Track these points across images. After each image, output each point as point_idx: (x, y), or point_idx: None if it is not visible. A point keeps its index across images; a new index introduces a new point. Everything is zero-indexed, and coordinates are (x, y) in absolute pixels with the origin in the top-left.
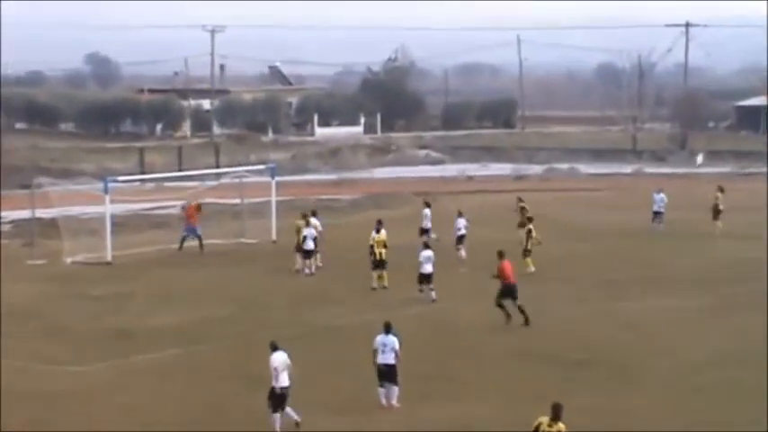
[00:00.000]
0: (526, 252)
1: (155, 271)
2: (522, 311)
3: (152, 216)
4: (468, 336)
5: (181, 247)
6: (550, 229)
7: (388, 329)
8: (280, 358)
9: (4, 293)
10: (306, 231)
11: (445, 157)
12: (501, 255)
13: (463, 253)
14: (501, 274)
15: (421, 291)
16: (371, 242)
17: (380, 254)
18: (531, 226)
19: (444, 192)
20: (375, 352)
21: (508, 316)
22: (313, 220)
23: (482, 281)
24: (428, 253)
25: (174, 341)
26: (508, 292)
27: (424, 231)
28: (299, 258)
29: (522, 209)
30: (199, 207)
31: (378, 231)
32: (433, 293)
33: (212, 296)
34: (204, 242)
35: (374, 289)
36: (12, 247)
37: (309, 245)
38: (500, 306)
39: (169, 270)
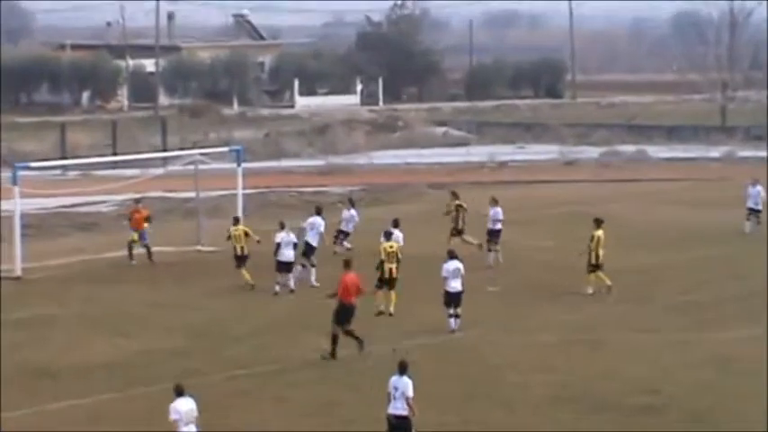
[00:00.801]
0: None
1: (81, 289)
2: (353, 336)
3: (77, 215)
4: (500, 374)
5: (131, 256)
6: (611, 233)
7: (403, 370)
8: (184, 407)
9: None
10: (280, 237)
11: (470, 137)
12: (347, 264)
13: (500, 257)
14: (340, 291)
15: (451, 316)
16: (382, 255)
17: (391, 270)
18: (471, 239)
19: (468, 182)
20: (388, 397)
21: (360, 342)
22: (348, 213)
23: (518, 301)
24: (455, 265)
25: (109, 382)
26: (344, 314)
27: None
28: (279, 276)
29: (458, 208)
30: (148, 218)
31: (388, 238)
32: (454, 321)
33: (156, 323)
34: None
35: (380, 313)
36: None
37: (287, 254)
38: (347, 334)
39: (100, 288)
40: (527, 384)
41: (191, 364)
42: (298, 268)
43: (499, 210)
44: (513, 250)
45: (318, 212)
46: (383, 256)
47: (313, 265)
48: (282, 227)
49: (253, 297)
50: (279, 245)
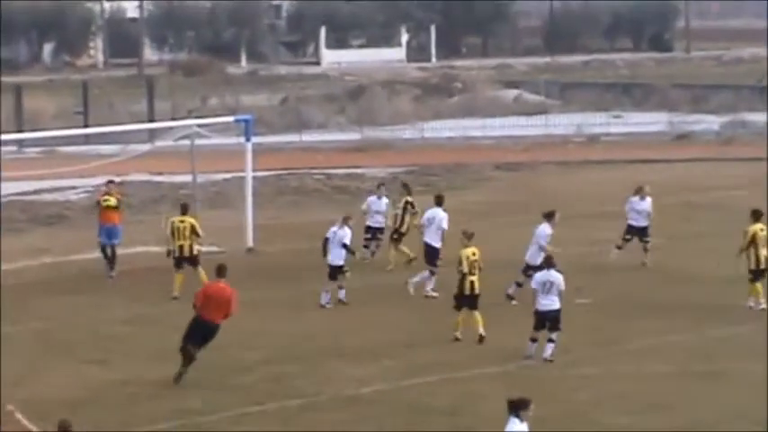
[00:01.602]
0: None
1: (41, 301)
2: (187, 357)
3: (38, 205)
4: (594, 416)
5: (109, 262)
6: (736, 229)
7: (516, 408)
8: None
9: None
10: (331, 231)
11: (550, 103)
12: (220, 271)
13: (647, 258)
14: (199, 301)
15: (534, 340)
16: (464, 264)
17: (473, 284)
18: (407, 249)
19: (548, 162)
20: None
21: (185, 364)
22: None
23: (616, 318)
24: (546, 277)
25: (77, 423)
26: (200, 331)
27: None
28: (328, 282)
29: (406, 206)
30: (116, 206)
31: (470, 239)
32: (549, 348)
33: (141, 347)
34: (129, 250)
35: (457, 339)
36: None
37: (335, 255)
38: (183, 350)
39: (66, 300)
40: (635, 428)
41: (186, 400)
42: (424, 274)
43: (647, 200)
44: (607, 251)
45: (439, 203)
46: (464, 267)
47: (432, 273)
48: (345, 221)
49: (268, 313)
50: (326, 240)
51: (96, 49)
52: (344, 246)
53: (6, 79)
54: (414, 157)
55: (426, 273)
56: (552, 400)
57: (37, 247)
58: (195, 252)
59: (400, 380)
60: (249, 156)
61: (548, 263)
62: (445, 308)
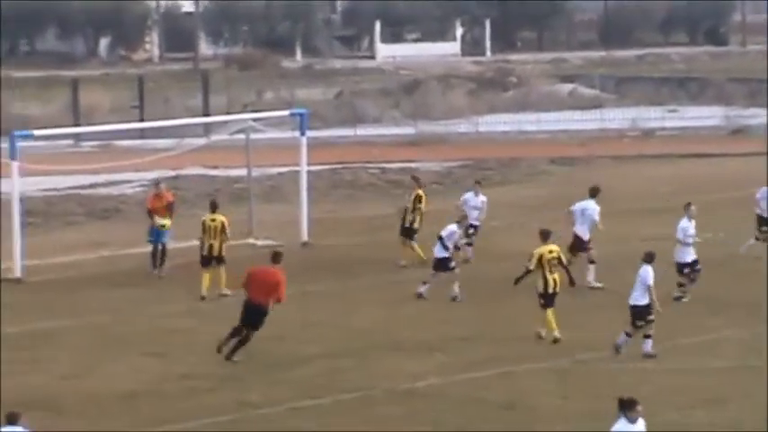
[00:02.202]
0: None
1: (97, 294)
2: (240, 341)
3: (93, 199)
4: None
5: (155, 265)
6: None
7: (624, 408)
8: None
9: None
10: (449, 229)
11: (606, 96)
12: (275, 257)
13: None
14: (246, 283)
15: (628, 334)
16: (536, 260)
17: (555, 282)
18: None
19: (603, 156)
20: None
21: (231, 335)
22: (471, 197)
23: (670, 314)
24: (642, 270)
25: (133, 418)
26: (249, 313)
27: None
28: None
29: (416, 200)
30: (169, 204)
31: (546, 239)
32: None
33: (199, 340)
34: (183, 244)
35: (540, 338)
36: None
37: (439, 249)
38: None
39: (123, 293)
40: (686, 424)
41: (243, 393)
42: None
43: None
44: (663, 246)
45: (593, 195)
46: (531, 264)
47: (592, 261)
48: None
49: (324, 307)
50: (441, 238)
51: (152, 44)
52: (440, 238)
53: (63, 73)
54: (468, 151)
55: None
56: (606, 396)
57: (93, 240)
58: (224, 252)
59: (455, 374)
60: (304, 150)
61: (647, 257)
62: (499, 302)
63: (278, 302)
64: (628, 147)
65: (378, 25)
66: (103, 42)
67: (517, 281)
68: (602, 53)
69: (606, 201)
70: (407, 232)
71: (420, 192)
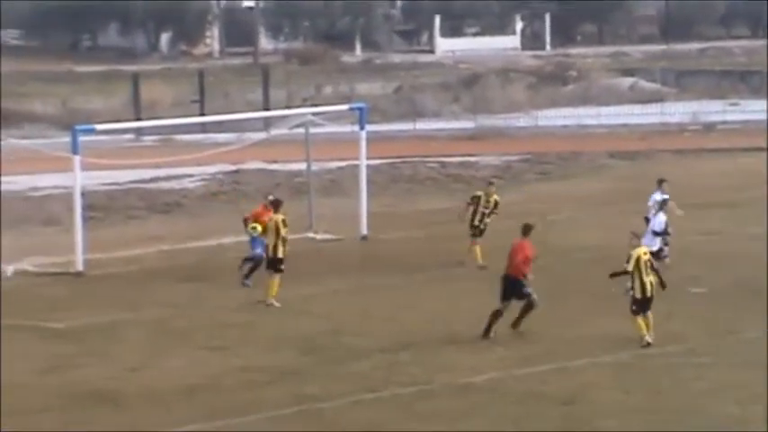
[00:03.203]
0: None
1: (159, 288)
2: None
3: (154, 193)
4: (709, 405)
5: (246, 276)
6: None
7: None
8: None
9: None
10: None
11: (666, 91)
12: (526, 230)
13: None
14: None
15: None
16: (633, 262)
17: (651, 285)
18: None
19: (663, 150)
20: None
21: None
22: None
23: (730, 307)
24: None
25: (193, 411)
26: (507, 288)
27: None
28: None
29: (495, 205)
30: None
31: (641, 239)
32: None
33: (258, 333)
34: (243, 238)
35: (648, 345)
36: None
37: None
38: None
39: (184, 287)
40: (745, 418)
41: (303, 386)
42: None
43: None
44: (723, 240)
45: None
46: (630, 266)
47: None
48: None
49: (383, 301)
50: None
51: (212, 38)
52: (655, 233)
53: (124, 68)
54: (528, 145)
55: None
56: (665, 390)
57: (154, 234)
58: (280, 255)
59: (514, 368)
60: (363, 144)
61: None
62: (558, 298)
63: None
64: (688, 141)
65: (437, 19)
66: (164, 37)
67: (613, 275)
68: (663, 47)
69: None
70: (479, 232)
71: (478, 192)
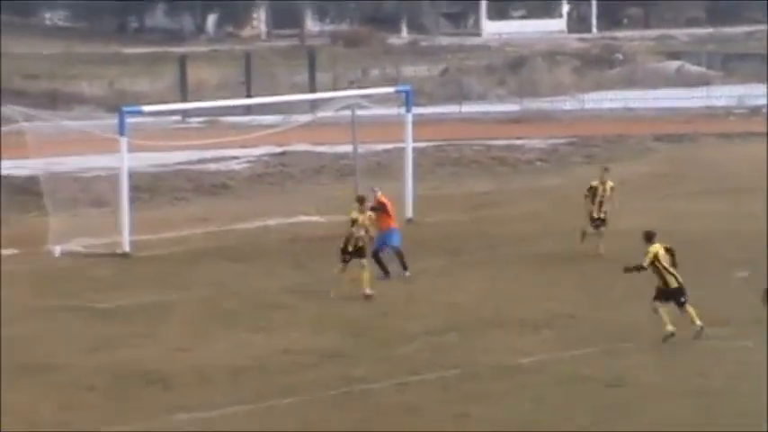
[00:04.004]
0: None
1: (205, 269)
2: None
3: (202, 175)
4: (751, 388)
5: (385, 271)
6: None
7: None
8: None
9: None
10: None
11: (712, 74)
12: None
13: None
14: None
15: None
16: (650, 259)
17: (674, 277)
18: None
19: (709, 134)
20: None
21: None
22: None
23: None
24: None
25: (239, 391)
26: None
27: None
28: None
29: (591, 190)
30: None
31: (651, 239)
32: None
33: (303, 315)
34: (290, 220)
35: (670, 335)
36: None
37: None
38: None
39: (230, 268)
40: None
41: (347, 368)
42: None
43: None
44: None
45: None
46: (645, 262)
47: None
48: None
49: (429, 283)
50: None
51: (259, 20)
52: None
53: (171, 50)
54: (574, 128)
55: None
56: (709, 372)
57: (201, 215)
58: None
59: (560, 350)
60: (409, 127)
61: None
62: (605, 281)
63: None
64: (734, 125)
65: (484, 2)
66: (211, 19)
67: (627, 270)
68: (710, 30)
69: (712, 179)
70: (602, 222)
71: (594, 183)
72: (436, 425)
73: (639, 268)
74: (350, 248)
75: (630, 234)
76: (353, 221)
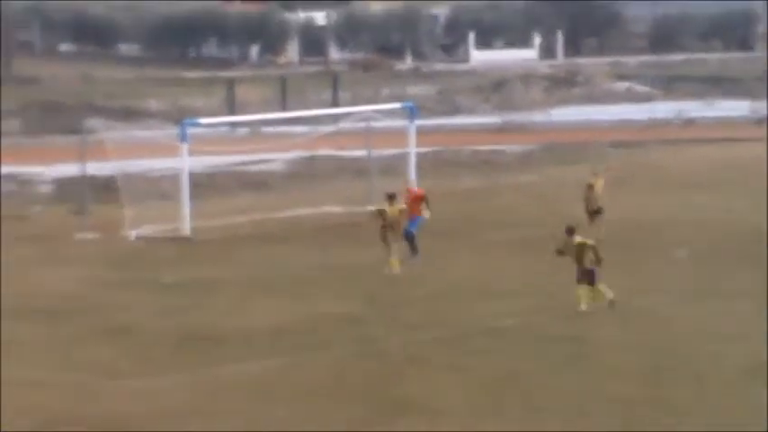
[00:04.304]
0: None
1: (250, 250)
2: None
3: (246, 174)
4: (689, 344)
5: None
6: None
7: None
8: None
9: (45, 280)
10: None
11: (655, 92)
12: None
13: None
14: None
15: None
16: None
17: (590, 260)
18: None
19: (653, 140)
20: None
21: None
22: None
23: (708, 267)
24: None
25: (276, 347)
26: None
27: None
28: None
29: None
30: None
31: (572, 233)
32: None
33: (328, 286)
34: (317, 210)
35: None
36: (55, 216)
37: None
38: None
39: (269, 249)
40: (719, 355)
41: (363, 329)
42: None
43: None
44: (701, 213)
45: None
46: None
47: None
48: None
49: (427, 259)
50: None
51: (292, 50)
52: None
53: (222, 74)
54: (545, 136)
55: None
56: (654, 333)
57: (245, 206)
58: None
59: (535, 315)
60: (413, 135)
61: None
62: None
63: None
64: (674, 133)
65: (472, 35)
66: (254, 49)
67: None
68: (653, 57)
69: (656, 177)
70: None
71: (591, 181)
72: (437, 375)
73: (560, 252)
74: (387, 235)
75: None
76: (381, 213)
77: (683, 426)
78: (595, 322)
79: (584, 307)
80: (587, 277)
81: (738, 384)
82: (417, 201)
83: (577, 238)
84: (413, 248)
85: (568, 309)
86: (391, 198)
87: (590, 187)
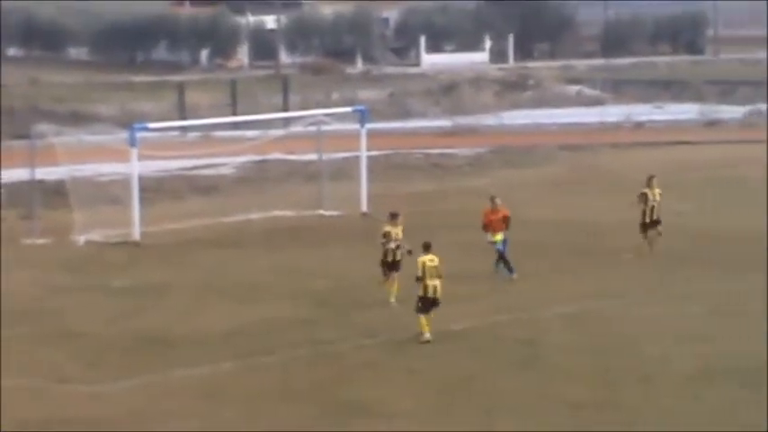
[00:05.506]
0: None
1: (200, 254)
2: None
3: (197, 178)
4: (639, 347)
5: (509, 269)
6: (753, 198)
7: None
8: None
9: None
10: None
11: (605, 96)
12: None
13: None
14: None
15: None
16: (420, 268)
17: (434, 289)
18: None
19: (603, 144)
20: None
21: None
22: None
23: (657, 270)
24: None
25: (228, 351)
26: None
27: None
28: None
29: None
30: (505, 218)
31: (427, 249)
32: None
33: (279, 290)
34: (268, 214)
35: (427, 342)
36: (4, 221)
37: None
38: None
39: (220, 253)
40: (668, 357)
41: (315, 332)
42: None
43: None
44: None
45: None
46: (424, 273)
47: None
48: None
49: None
50: None
51: (242, 54)
52: None
53: (171, 78)
54: (495, 139)
55: None
56: (604, 336)
57: (195, 210)
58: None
59: (488, 317)
60: (364, 139)
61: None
62: (524, 261)
63: None
64: (623, 136)
65: (422, 39)
66: (204, 53)
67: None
68: (603, 61)
69: (606, 180)
70: (654, 224)
71: (645, 189)
72: (390, 378)
73: (417, 279)
74: (389, 260)
75: (539, 224)
76: (385, 235)
77: (632, 426)
78: (548, 326)
79: (428, 336)
80: (433, 305)
81: (688, 386)
82: (504, 220)
83: (423, 258)
84: (507, 267)
85: (522, 312)
86: (394, 217)
87: (643, 196)
